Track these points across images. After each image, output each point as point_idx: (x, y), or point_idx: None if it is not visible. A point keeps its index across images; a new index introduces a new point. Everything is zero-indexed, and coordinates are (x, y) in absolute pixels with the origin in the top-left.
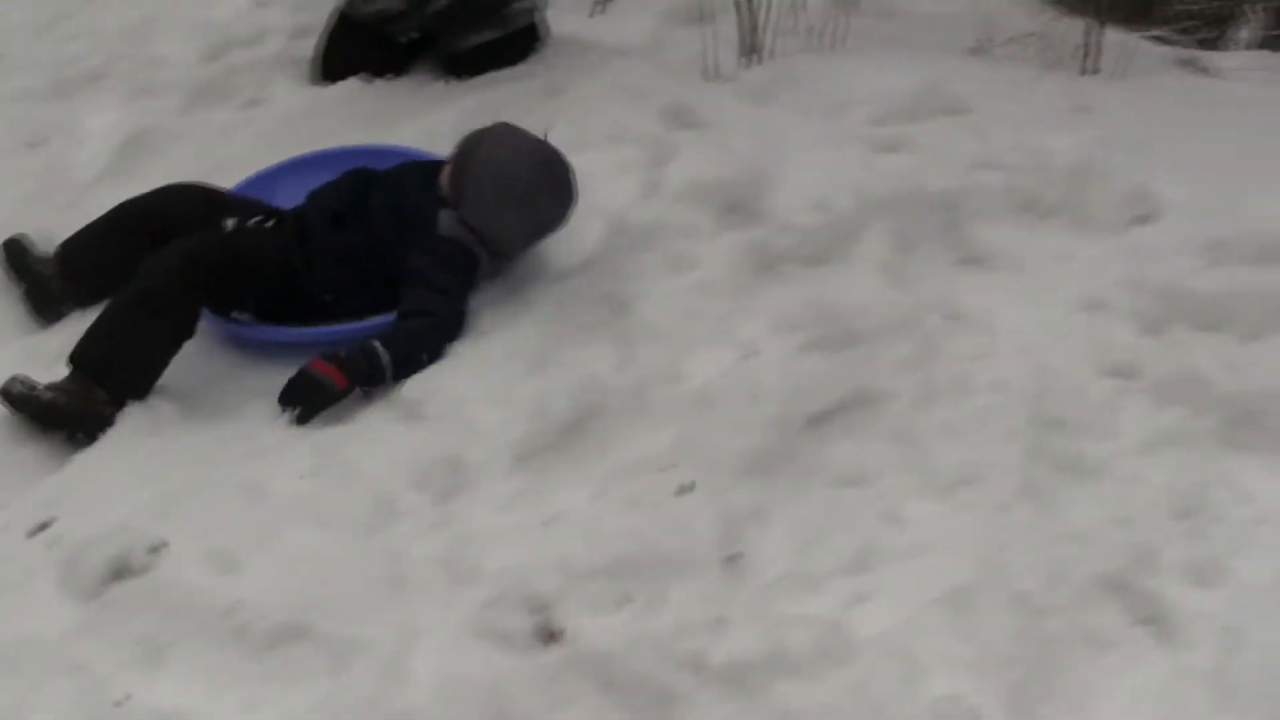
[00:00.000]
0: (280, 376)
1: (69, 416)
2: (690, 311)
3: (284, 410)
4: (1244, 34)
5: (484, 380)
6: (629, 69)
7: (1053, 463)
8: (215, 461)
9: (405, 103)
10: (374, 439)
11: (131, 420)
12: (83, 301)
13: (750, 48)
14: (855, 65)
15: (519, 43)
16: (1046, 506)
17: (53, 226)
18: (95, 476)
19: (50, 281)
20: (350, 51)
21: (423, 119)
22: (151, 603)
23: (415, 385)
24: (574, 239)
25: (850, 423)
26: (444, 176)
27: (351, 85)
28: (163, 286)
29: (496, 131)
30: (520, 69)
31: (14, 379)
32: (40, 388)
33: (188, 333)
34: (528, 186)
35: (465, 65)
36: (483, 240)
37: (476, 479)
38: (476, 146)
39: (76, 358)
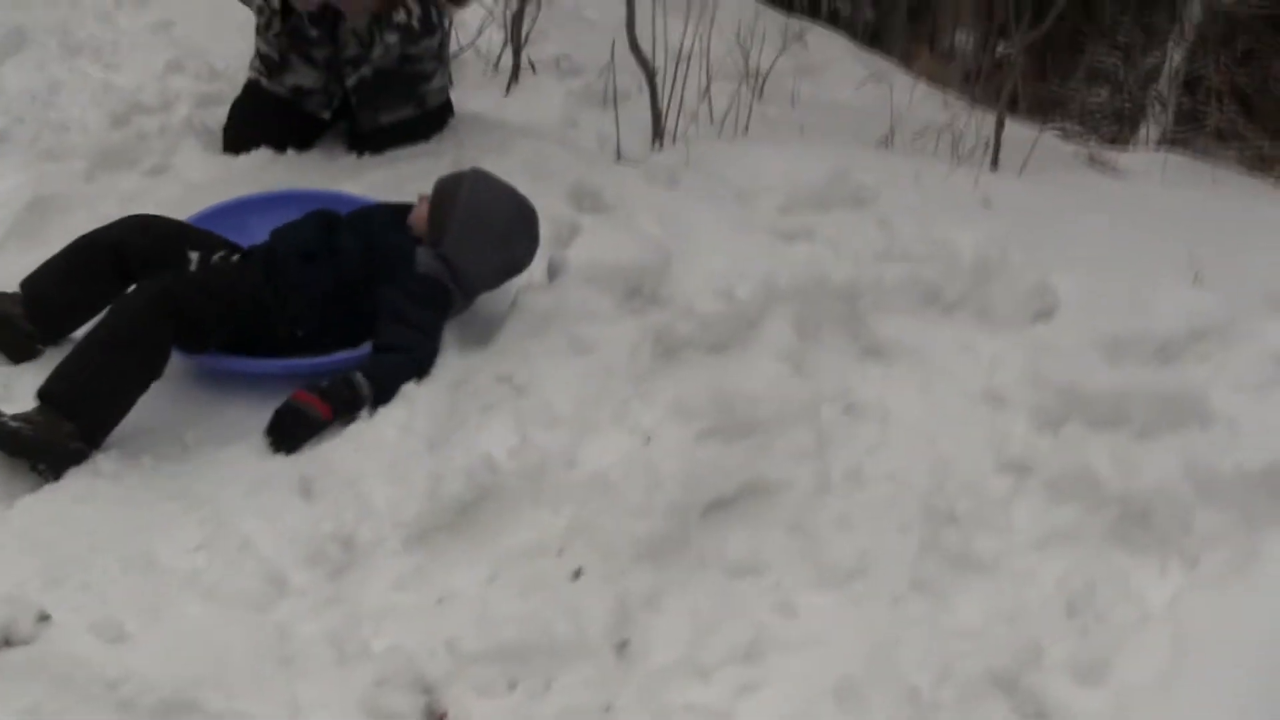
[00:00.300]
0: (192, 424)
1: (33, 447)
2: (589, 395)
3: (270, 443)
4: (1147, 132)
5: (379, 457)
6: (537, 148)
7: (946, 557)
8: (104, 531)
9: (314, 175)
10: (266, 513)
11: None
12: (51, 338)
13: (658, 131)
14: (763, 152)
15: (433, 120)
16: (938, 600)
17: None
18: None
19: (18, 320)
20: (260, 123)
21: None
22: (37, 673)
23: (308, 460)
24: (475, 317)
25: (746, 511)
26: (416, 217)
27: (261, 156)
28: (136, 326)
29: (475, 175)
30: (429, 145)
31: None
32: (5, 416)
33: (157, 373)
34: (507, 227)
35: (375, 140)
36: (457, 278)
37: (368, 557)
38: (457, 187)
39: (45, 393)
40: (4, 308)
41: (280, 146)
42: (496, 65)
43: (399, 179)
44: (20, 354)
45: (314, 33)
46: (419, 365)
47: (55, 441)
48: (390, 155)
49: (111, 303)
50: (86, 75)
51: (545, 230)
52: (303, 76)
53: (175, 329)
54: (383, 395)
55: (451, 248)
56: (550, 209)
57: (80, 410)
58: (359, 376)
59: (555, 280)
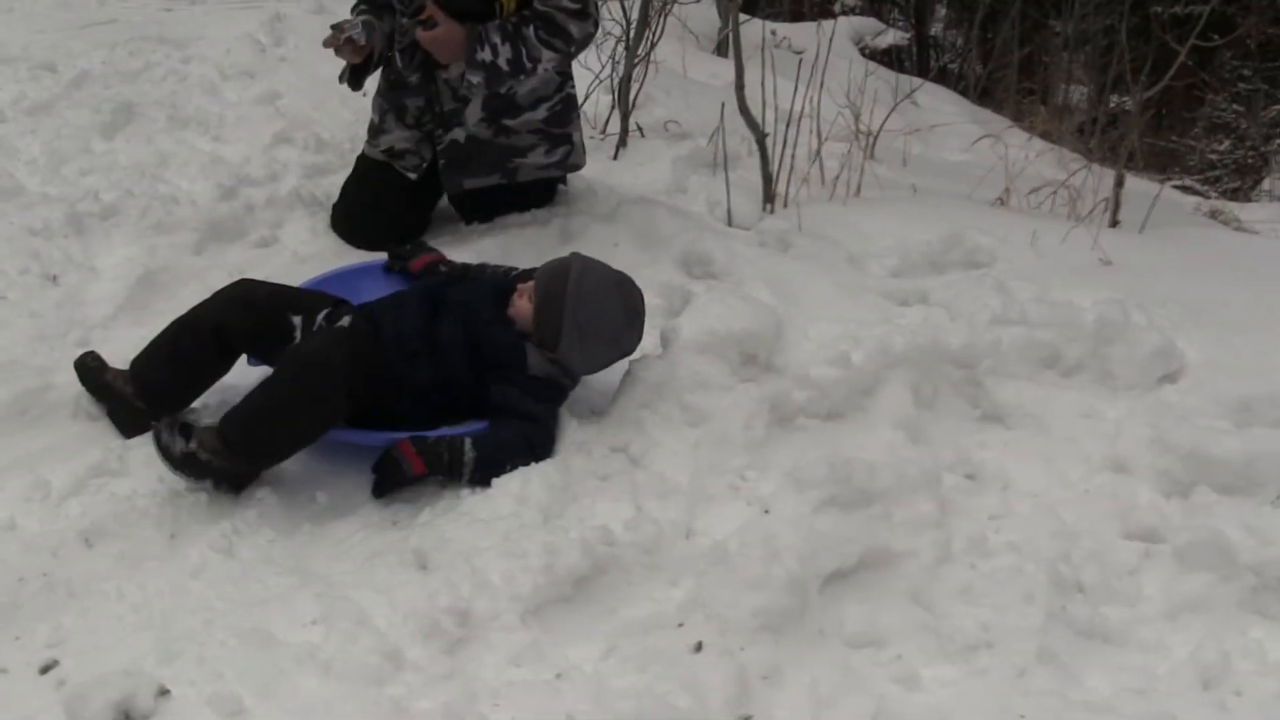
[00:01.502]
0: (306, 496)
1: (218, 473)
2: (704, 465)
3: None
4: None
5: (494, 530)
6: (646, 214)
7: (1073, 628)
8: (220, 605)
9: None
10: (382, 587)
11: (137, 556)
12: (162, 416)
13: (769, 195)
14: (875, 215)
15: (527, 196)
16: (1065, 673)
17: (63, 364)
18: (102, 615)
19: (132, 400)
20: (370, 210)
21: None
22: None
23: (423, 533)
24: (588, 388)
25: (866, 582)
26: (520, 310)
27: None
28: (327, 380)
29: (580, 272)
30: (538, 213)
31: (172, 440)
32: (197, 452)
33: (334, 424)
34: (618, 324)
35: (475, 207)
36: (569, 374)
37: (485, 631)
38: (563, 288)
39: (226, 435)
40: (116, 386)
41: (396, 224)
42: (604, 129)
43: (506, 247)
44: (133, 429)
45: (412, 79)
46: (532, 450)
47: (237, 471)
48: (499, 222)
49: (219, 377)
50: (194, 148)
51: (655, 300)
52: (397, 136)
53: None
54: (487, 468)
55: (566, 353)
56: (660, 276)
57: (256, 456)
58: (468, 444)
59: (668, 349)
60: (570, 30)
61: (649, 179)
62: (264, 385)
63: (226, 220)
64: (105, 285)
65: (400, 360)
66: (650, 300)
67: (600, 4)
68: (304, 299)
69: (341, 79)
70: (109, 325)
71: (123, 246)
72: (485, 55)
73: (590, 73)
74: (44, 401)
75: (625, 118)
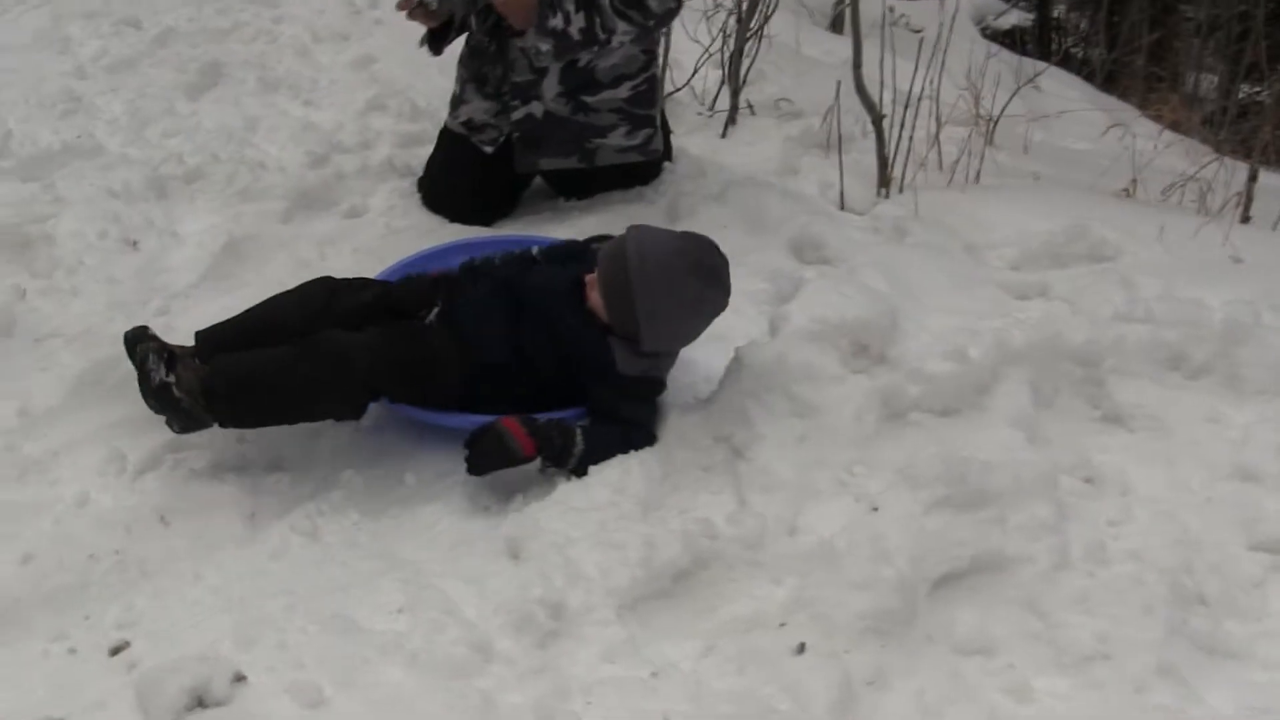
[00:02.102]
0: (393, 478)
1: (184, 416)
2: (811, 459)
3: (465, 457)
4: None
5: (590, 520)
6: (756, 196)
7: (1194, 642)
8: (301, 589)
9: (519, 225)
10: (471, 576)
11: (214, 539)
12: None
13: (884, 179)
14: (994, 203)
15: (649, 167)
16: (1186, 689)
17: None
18: (176, 596)
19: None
20: (456, 179)
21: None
22: None
23: (515, 520)
24: (691, 373)
25: (977, 587)
26: (596, 304)
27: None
28: (346, 380)
29: (634, 252)
30: (643, 190)
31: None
32: (173, 386)
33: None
34: (695, 293)
35: (569, 184)
36: (663, 360)
37: (578, 625)
38: (624, 277)
39: (211, 387)
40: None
41: (479, 202)
42: (713, 106)
43: (609, 227)
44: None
45: (490, 45)
46: (634, 446)
47: (196, 417)
48: (602, 199)
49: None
50: (284, 113)
51: (764, 285)
52: (475, 108)
53: (384, 388)
54: (591, 458)
55: (651, 343)
56: (770, 261)
57: (238, 415)
58: (579, 434)
59: (776, 336)
60: (649, 3)
61: (759, 159)
62: (275, 357)
63: (316, 188)
64: (187, 252)
65: (486, 369)
66: (758, 285)
67: None
68: (389, 296)
69: (422, 43)
70: (190, 294)
71: (207, 213)
72: (556, 22)
73: (699, 46)
74: (121, 372)
75: (735, 94)
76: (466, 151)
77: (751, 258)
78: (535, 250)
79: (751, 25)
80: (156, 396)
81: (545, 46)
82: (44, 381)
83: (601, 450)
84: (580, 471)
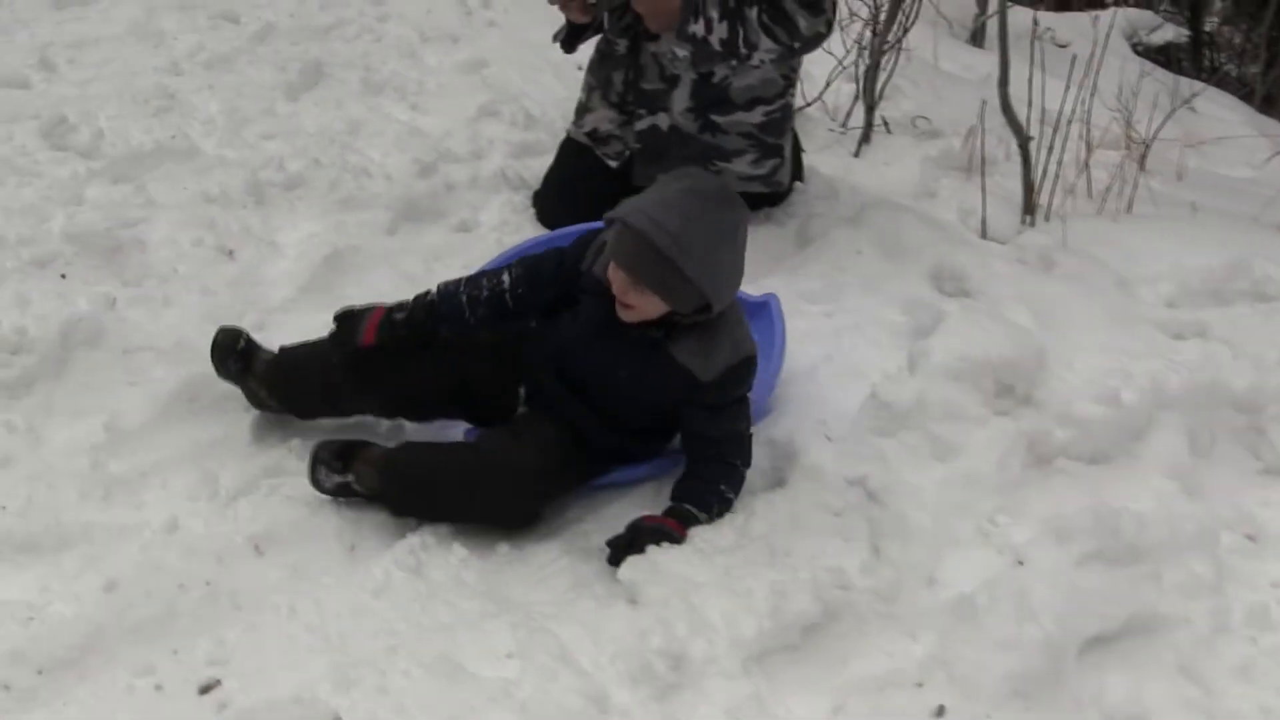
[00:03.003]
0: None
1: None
2: (952, 506)
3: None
4: None
5: (714, 565)
6: (892, 221)
7: None
8: (404, 629)
9: None
10: (587, 621)
11: (312, 570)
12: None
13: (1030, 206)
14: (1148, 234)
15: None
16: None
17: None
18: (270, 632)
19: (264, 399)
20: (573, 194)
21: None
22: None
23: (635, 564)
24: (823, 407)
25: (1130, 651)
26: (643, 312)
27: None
28: (525, 497)
29: (651, 228)
30: (771, 211)
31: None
32: (352, 484)
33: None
34: (729, 223)
35: None
36: (730, 327)
37: (700, 678)
38: (660, 257)
39: (389, 488)
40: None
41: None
42: (845, 123)
43: None
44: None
45: (619, 46)
46: (742, 468)
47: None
48: None
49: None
50: (390, 117)
51: (901, 317)
52: (601, 117)
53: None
54: (724, 512)
55: (721, 297)
56: (908, 290)
57: (410, 513)
58: (695, 511)
59: (915, 373)
60: (798, 22)
61: (895, 180)
62: (454, 463)
63: (423, 199)
64: (286, 263)
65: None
66: (895, 317)
67: None
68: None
69: (556, 37)
70: (289, 308)
71: (307, 221)
72: (698, 28)
73: (832, 58)
74: (215, 389)
75: (870, 110)
76: (589, 164)
77: (887, 286)
78: (509, 288)
79: (889, 37)
80: (335, 493)
81: (683, 52)
82: (133, 396)
83: (725, 495)
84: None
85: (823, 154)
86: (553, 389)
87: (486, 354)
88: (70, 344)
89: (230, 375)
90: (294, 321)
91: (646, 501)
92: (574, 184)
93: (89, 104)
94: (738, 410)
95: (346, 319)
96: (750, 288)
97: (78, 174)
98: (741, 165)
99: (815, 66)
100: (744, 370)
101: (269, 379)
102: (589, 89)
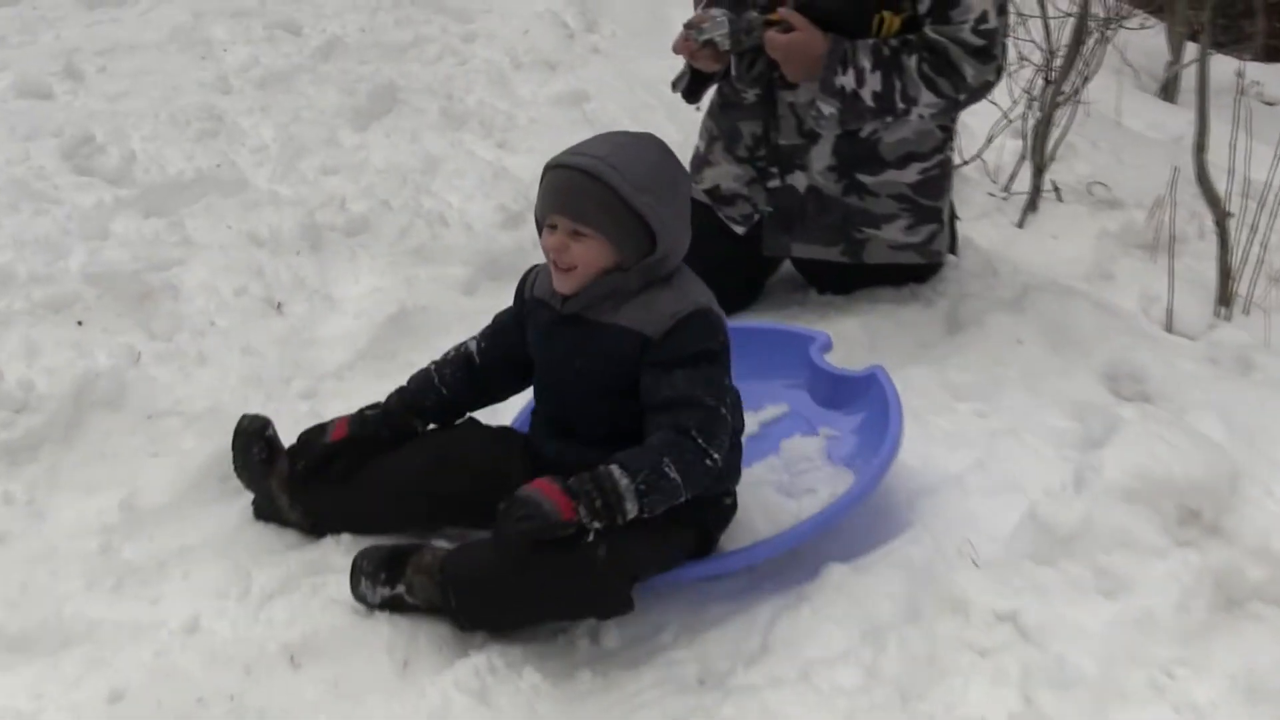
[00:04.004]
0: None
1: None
2: (1121, 652)
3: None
4: None
5: (834, 709)
6: (1060, 307)
7: None
8: None
9: (759, 306)
10: None
11: (362, 687)
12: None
13: (1226, 295)
14: None
15: (871, 274)
16: None
17: (282, 418)
18: None
19: (285, 510)
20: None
21: None
22: None
23: (741, 700)
24: (971, 530)
25: None
26: (582, 260)
27: None
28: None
29: (599, 167)
30: (917, 288)
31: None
32: (404, 596)
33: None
34: (673, 173)
35: (827, 274)
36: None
37: None
38: (613, 194)
39: (452, 594)
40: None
41: (717, 289)
42: (1009, 186)
43: (873, 330)
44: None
45: (749, 95)
46: (700, 442)
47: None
48: (867, 296)
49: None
50: (472, 154)
51: (1067, 423)
52: (723, 173)
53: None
54: (654, 494)
55: (671, 241)
56: (1076, 391)
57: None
58: (616, 471)
59: (1082, 491)
60: (964, 71)
61: (1065, 258)
62: (523, 556)
63: (509, 254)
64: (344, 321)
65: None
66: (1061, 422)
67: (1010, 32)
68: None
69: (676, 86)
70: (344, 375)
71: (371, 274)
72: (847, 80)
73: (996, 109)
74: None
75: (1039, 173)
76: (709, 226)
77: (1053, 385)
78: (475, 343)
79: (1064, 87)
80: (383, 607)
81: (829, 110)
82: (156, 469)
83: (656, 475)
84: (651, 511)
85: (980, 223)
86: (546, 442)
87: (483, 441)
88: (84, 404)
89: (252, 472)
90: (349, 390)
91: (760, 625)
92: (692, 249)
93: (120, 121)
94: (694, 372)
95: (310, 431)
96: (896, 379)
97: (103, 203)
98: (893, 232)
99: (974, 118)
100: (696, 322)
101: (293, 484)
102: (709, 138)
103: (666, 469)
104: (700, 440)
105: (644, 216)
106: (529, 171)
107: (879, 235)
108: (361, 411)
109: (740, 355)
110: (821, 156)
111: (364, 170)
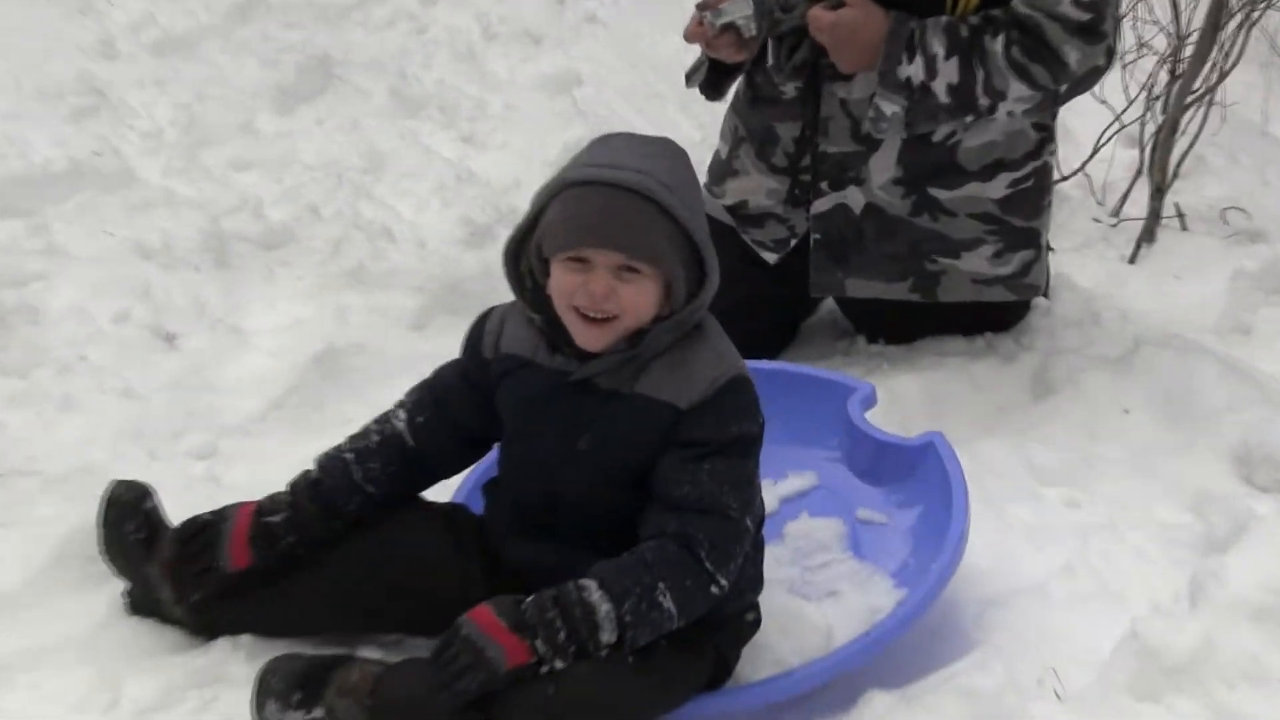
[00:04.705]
0: None
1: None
2: None
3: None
4: None
5: None
6: (1181, 368)
7: None
8: None
9: (799, 351)
10: None
11: None
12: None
13: None
14: None
15: (940, 318)
16: None
17: (168, 482)
18: None
19: (169, 605)
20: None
21: None
22: None
23: None
24: (1056, 652)
25: None
26: (631, 309)
27: None
28: None
29: (643, 181)
30: (993, 339)
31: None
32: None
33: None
34: (682, 174)
35: (881, 318)
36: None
37: None
38: (657, 214)
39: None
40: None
41: (742, 332)
42: (1119, 210)
43: (935, 393)
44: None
45: (787, 89)
46: (703, 557)
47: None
48: (930, 347)
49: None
50: (430, 151)
51: (1183, 516)
52: (752, 185)
53: None
54: (640, 624)
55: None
56: (1198, 476)
57: None
58: (595, 591)
59: (1198, 606)
60: (1065, 55)
61: (1189, 303)
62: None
63: (473, 280)
64: (256, 360)
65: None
66: (1175, 516)
67: (1126, 8)
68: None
69: (691, 80)
70: (253, 430)
71: (293, 300)
72: (914, 71)
73: (1106, 109)
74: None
75: (1159, 193)
76: (732, 252)
77: (1167, 468)
78: (406, 421)
79: (1195, 84)
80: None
81: (891, 109)
82: (5, 545)
83: (647, 604)
84: (635, 642)
85: (1082, 255)
86: (513, 541)
87: (429, 530)
88: None
89: (126, 554)
90: (259, 450)
91: None
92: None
93: None
94: (724, 465)
95: (196, 535)
96: (965, 454)
97: None
98: (976, 261)
99: (1078, 119)
100: (738, 394)
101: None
102: (734, 139)
103: (660, 596)
104: (708, 563)
105: (700, 247)
106: (503, 173)
107: (958, 266)
108: (260, 520)
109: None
110: (884, 167)
111: (288, 166)
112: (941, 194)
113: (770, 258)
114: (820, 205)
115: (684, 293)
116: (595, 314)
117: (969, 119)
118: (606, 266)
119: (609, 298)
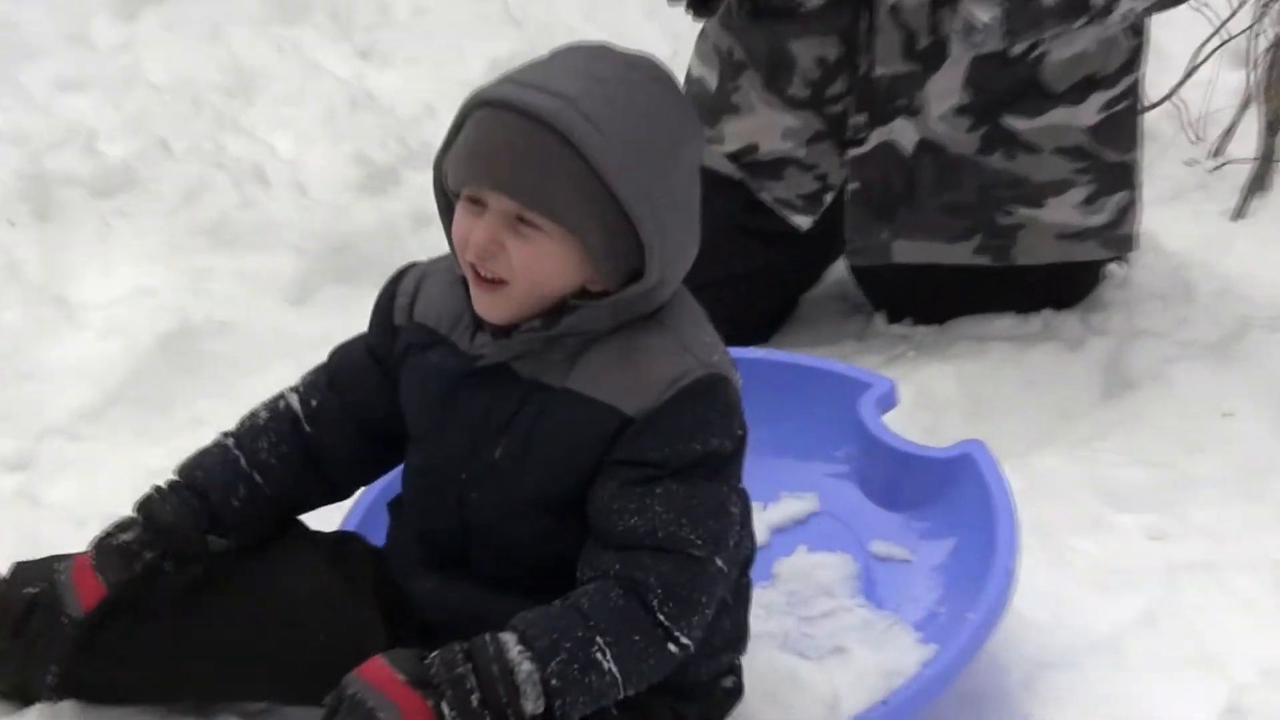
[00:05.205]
0: None
1: None
2: None
3: None
4: None
5: None
6: None
7: None
8: None
9: (803, 337)
10: None
11: None
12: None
13: None
14: None
15: (993, 288)
16: None
17: None
18: None
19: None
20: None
21: None
22: None
23: None
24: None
25: None
26: (543, 293)
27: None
28: None
29: (566, 115)
30: (1049, 317)
31: None
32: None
33: None
34: (675, 122)
35: (909, 293)
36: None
37: None
38: (577, 164)
39: None
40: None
41: (742, 312)
42: (1220, 149)
43: (977, 392)
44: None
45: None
46: (655, 607)
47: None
48: (967, 328)
49: None
50: (317, 67)
51: None
52: (760, 123)
53: None
54: (568, 688)
55: (668, 257)
56: None
57: None
58: (512, 647)
59: None
60: None
61: None
62: None
63: (370, 235)
64: (87, 341)
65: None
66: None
67: None
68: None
69: None
70: (82, 432)
71: (136, 262)
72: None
73: (1203, 18)
74: None
75: (1272, 127)
76: (726, 209)
77: (1263, 488)
78: (300, 402)
79: None
80: None
81: (987, 16)
82: None
83: (579, 663)
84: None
85: (1170, 209)
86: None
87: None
88: None
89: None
90: (91, 458)
91: None
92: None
93: None
94: (687, 492)
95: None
96: (1013, 470)
97: None
98: (1063, 211)
99: (1162, 27)
100: (707, 399)
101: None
102: (728, 65)
103: (597, 654)
104: (662, 615)
105: (632, 215)
106: (409, 99)
107: (1039, 219)
108: (110, 539)
109: (748, 409)
110: (946, 91)
111: (130, 87)
112: (1020, 124)
113: (803, 222)
114: (863, 147)
115: (614, 268)
116: (484, 271)
117: (1079, 23)
118: (496, 213)
119: (495, 254)
